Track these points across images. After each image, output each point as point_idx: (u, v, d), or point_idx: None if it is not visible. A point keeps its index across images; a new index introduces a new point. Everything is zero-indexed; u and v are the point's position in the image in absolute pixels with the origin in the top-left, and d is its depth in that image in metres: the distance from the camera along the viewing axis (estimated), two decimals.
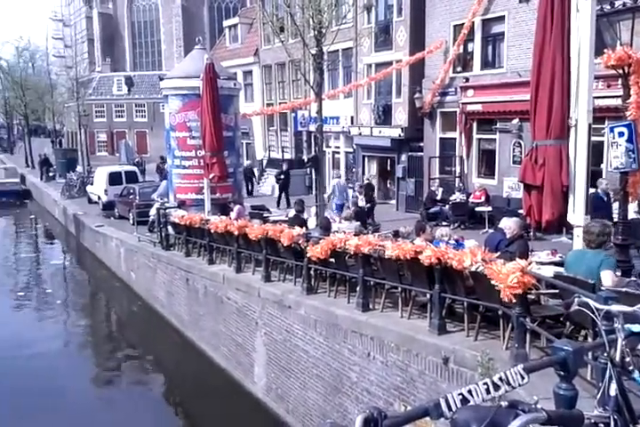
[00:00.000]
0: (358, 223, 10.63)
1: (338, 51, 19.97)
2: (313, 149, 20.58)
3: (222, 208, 12.88)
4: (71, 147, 44.02)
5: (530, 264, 5.41)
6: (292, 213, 11.96)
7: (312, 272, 8.60)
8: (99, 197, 22.80)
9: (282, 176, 20.94)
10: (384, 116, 19.85)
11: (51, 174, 33.24)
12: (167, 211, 13.43)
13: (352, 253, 7.49)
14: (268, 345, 9.12)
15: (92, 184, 24.48)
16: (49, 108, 42.79)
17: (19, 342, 12.42)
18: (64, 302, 16.13)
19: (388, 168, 21.02)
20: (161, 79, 15.70)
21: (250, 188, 23.66)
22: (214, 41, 35.84)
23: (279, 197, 20.34)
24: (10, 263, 20.78)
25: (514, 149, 15.35)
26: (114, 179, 22.26)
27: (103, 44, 56.63)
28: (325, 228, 9.33)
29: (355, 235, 8.13)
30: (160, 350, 12.67)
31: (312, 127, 19.87)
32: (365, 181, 18.49)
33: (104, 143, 47.20)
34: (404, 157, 19.21)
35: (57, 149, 39.23)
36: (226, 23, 33.37)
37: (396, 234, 8.96)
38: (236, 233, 10.16)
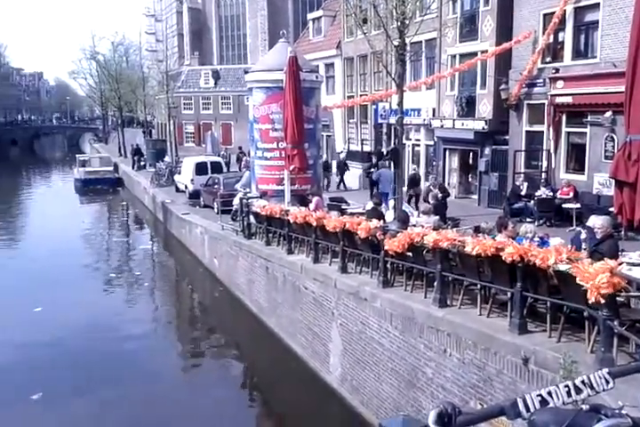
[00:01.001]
0: (437, 218, 10.51)
1: (421, 42, 19.66)
2: (393, 142, 20.39)
3: (301, 199, 13.07)
4: (161, 137, 45.91)
5: (620, 265, 5.17)
6: (369, 205, 11.97)
7: (389, 265, 8.60)
8: (185, 187, 23.72)
9: (372, 170, 19.74)
10: (467, 108, 19.39)
11: (142, 164, 34.86)
12: (249, 201, 13.79)
13: (430, 247, 7.43)
14: (344, 336, 9.22)
15: (179, 174, 25.50)
16: (141, 101, 44.83)
17: (109, 322, 13.25)
18: (152, 284, 16.94)
19: (470, 162, 20.54)
20: (246, 72, 16.06)
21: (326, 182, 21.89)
22: (298, 34, 36.20)
23: (371, 191, 17.77)
24: (103, 247, 22.08)
25: (606, 143, 14.59)
26: (200, 169, 23.09)
27: (192, 38, 58.44)
28: (403, 221, 9.29)
29: (433, 229, 8.05)
30: (239, 335, 13.11)
31: (392, 119, 19.69)
32: (412, 171, 18.02)
33: (191, 134, 48.90)
34: (487, 151, 18.71)
35: (148, 140, 41.05)
36: (310, 16, 33.59)
37: (477, 230, 8.79)
38: (314, 224, 10.30)
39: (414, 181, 17.44)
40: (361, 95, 25.93)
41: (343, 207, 13.95)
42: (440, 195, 14.44)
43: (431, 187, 15.37)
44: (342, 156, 25.23)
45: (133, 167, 35.13)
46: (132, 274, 17.94)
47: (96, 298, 15.07)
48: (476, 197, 19.32)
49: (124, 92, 44.63)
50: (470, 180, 20.80)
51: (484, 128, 18.49)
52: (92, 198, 32.93)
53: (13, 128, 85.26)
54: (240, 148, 32.20)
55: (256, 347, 12.23)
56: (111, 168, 36.42)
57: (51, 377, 10.29)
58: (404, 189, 15.02)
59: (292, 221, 11.25)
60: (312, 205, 12.32)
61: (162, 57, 44.33)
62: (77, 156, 39.50)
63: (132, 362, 11.16)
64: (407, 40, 13.00)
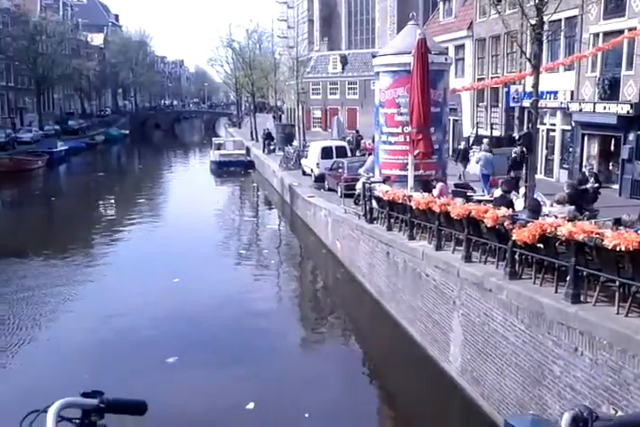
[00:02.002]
0: (572, 208, 9.82)
1: (560, 20, 18.39)
2: (525, 126, 19.34)
3: (425, 185, 12.83)
4: (290, 122, 47.11)
5: None
6: (497, 192, 11.48)
7: (517, 256, 8.22)
8: (311, 170, 24.22)
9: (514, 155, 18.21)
10: (610, 90, 17.89)
11: (271, 147, 36.06)
12: (372, 185, 13.78)
13: (563, 239, 6.98)
14: (466, 326, 8.98)
15: (306, 157, 26.06)
16: (272, 86, 46.25)
17: (237, 296, 13.99)
18: (278, 263, 17.58)
19: (612, 148, 19.00)
20: (373, 56, 15.95)
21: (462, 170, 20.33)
22: (427, 16, 35.30)
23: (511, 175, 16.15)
24: (234, 225, 23.22)
25: None
26: (325, 153, 23.44)
27: (322, 23, 59.07)
28: (534, 210, 8.81)
29: (568, 220, 7.55)
30: (359, 317, 13.25)
31: (526, 103, 18.67)
32: (513, 155, 16.62)
33: (318, 119, 49.71)
34: (631, 137, 17.19)
35: (277, 124, 42.31)
36: None
37: (618, 222, 8.12)
38: (437, 211, 10.08)
39: (517, 163, 16.53)
40: (492, 77, 24.84)
41: (469, 194, 13.50)
42: (594, 184, 13.54)
43: (587, 175, 14.43)
44: (463, 144, 24.06)
45: (264, 151, 36.41)
46: (260, 252, 18.71)
47: (226, 272, 15.97)
48: (616, 186, 17.87)
49: (257, 78, 46.21)
50: (611, 168, 19.27)
51: (628, 112, 16.98)
52: (225, 180, 34.64)
53: (157, 113, 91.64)
54: (357, 131, 32.29)
55: (375, 331, 12.30)
56: (244, 151, 37.99)
57: (184, 343, 11.07)
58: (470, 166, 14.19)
59: (414, 207, 11.09)
60: (436, 191, 12.06)
61: (292, 43, 45.38)
62: (213, 139, 41.65)
63: (255, 335, 11.72)
64: (545, 18, 12.18)
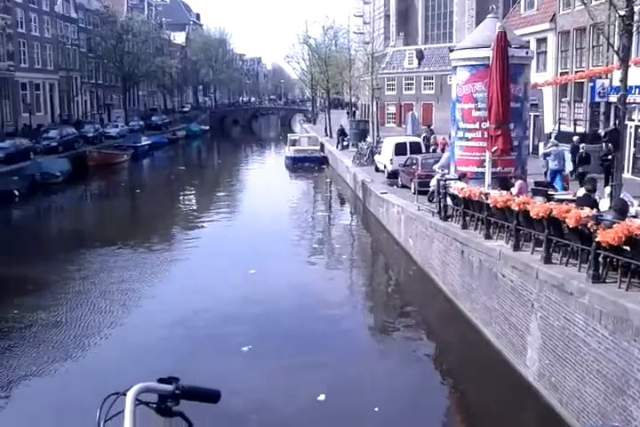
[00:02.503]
0: None
1: None
2: (612, 123, 18.38)
3: (503, 182, 12.47)
4: (364, 118, 47.00)
5: None
6: (581, 191, 10.99)
7: (601, 259, 7.84)
8: (384, 166, 24.08)
9: (609, 156, 16.10)
10: None
11: (345, 143, 36.12)
12: (447, 182, 13.53)
13: None
14: (544, 330, 8.67)
15: (379, 154, 25.94)
16: (347, 82, 46.25)
17: (310, 289, 14.22)
18: (350, 258, 17.62)
19: None
20: (451, 51, 15.66)
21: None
22: (507, 9, 34.19)
23: (606, 180, 14.39)
24: (308, 220, 23.47)
25: None
26: (399, 149, 23.23)
27: (398, 18, 58.41)
28: (621, 211, 8.38)
29: None
30: (431, 316, 13.08)
31: (612, 98, 17.74)
32: (581, 150, 15.22)
33: (393, 115, 49.30)
34: None
35: (351, 120, 42.32)
36: None
37: None
38: (516, 209, 9.78)
39: (583, 159, 15.80)
40: (576, 71, 23.76)
41: (550, 193, 13.01)
42: None
43: None
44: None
45: (338, 147, 36.52)
46: (333, 247, 18.82)
47: (300, 266, 16.19)
48: None
49: (332, 75, 46.36)
50: None
51: None
52: (299, 175, 35.04)
53: (236, 109, 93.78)
54: (429, 126, 31.80)
55: (447, 330, 12.11)
56: (318, 147, 38.24)
57: (259, 333, 11.35)
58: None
59: (491, 205, 10.80)
60: (515, 189, 11.70)
61: (368, 39, 45.09)
62: (288, 135, 42.19)
63: (326, 328, 11.88)
64: (636, 9, 11.52)
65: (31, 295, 13.41)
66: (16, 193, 25.25)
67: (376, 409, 8.65)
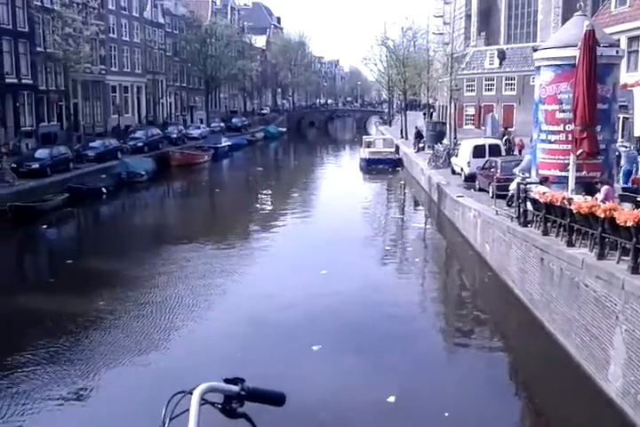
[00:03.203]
0: None
1: None
2: None
3: (588, 188, 11.95)
4: (441, 120, 46.29)
5: None
6: None
7: None
8: (461, 169, 23.62)
9: None
10: None
11: (421, 145, 35.70)
12: (528, 186, 13.11)
13: None
14: (630, 344, 8.22)
15: (456, 156, 25.47)
16: (424, 84, 45.68)
17: (381, 291, 14.14)
18: (422, 262, 17.39)
19: None
20: (535, 50, 15.14)
21: None
22: (596, 7, 32.68)
23: None
24: (380, 222, 23.41)
25: None
26: (477, 151, 22.72)
27: (479, 18, 57.18)
28: None
29: None
30: (507, 324, 12.70)
31: None
32: None
33: (471, 117, 48.22)
34: None
35: (428, 122, 41.77)
36: None
37: None
38: (601, 216, 9.33)
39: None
40: None
41: (639, 200, 12.33)
42: None
43: None
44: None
45: (413, 149, 36.15)
46: (405, 250, 18.65)
47: (372, 267, 16.18)
48: None
49: (410, 76, 45.93)
50: None
51: None
52: (374, 177, 34.95)
53: (312, 111, 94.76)
54: (506, 128, 30.87)
55: (524, 339, 11.72)
56: (393, 149, 38.02)
57: (329, 333, 11.42)
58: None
59: (574, 211, 10.35)
60: (600, 195, 11.18)
61: (448, 39, 44.32)
62: (364, 137, 42.17)
63: (397, 331, 11.76)
64: None
65: (117, 287, 14.11)
66: (104, 191, 26.64)
67: (446, 414, 8.52)
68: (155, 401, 7.57)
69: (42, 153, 27.22)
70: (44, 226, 21.39)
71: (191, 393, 1.82)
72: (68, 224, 23.69)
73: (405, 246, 19.18)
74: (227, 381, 1.90)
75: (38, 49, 35.12)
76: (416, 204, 28.29)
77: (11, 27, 33.25)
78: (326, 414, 8.57)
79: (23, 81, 34.31)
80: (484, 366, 10.62)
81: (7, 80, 32.80)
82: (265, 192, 32.35)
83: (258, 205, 27.85)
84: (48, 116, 36.88)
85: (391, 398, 8.80)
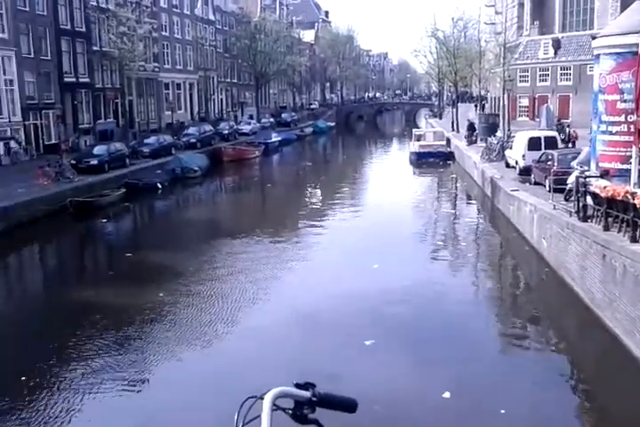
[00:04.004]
0: None
1: None
2: None
3: None
4: (493, 112, 45.35)
5: None
6: None
7: None
8: (516, 162, 23.10)
9: None
10: None
11: (473, 138, 35.09)
12: (587, 180, 12.72)
13: None
14: None
15: (510, 149, 24.93)
16: (476, 75, 44.93)
17: (433, 287, 13.99)
18: (475, 257, 17.14)
19: None
20: (593, 38, 14.63)
21: None
22: None
23: None
24: (432, 216, 23.15)
25: None
26: (533, 144, 22.17)
27: (533, 6, 55.52)
28: None
29: None
30: (566, 324, 12.40)
31: None
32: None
33: (525, 108, 47.05)
34: None
35: (480, 114, 41.05)
36: None
37: None
38: None
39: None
40: None
41: None
42: None
43: None
44: None
45: (465, 142, 35.57)
46: (458, 245, 18.40)
47: (424, 262, 16.05)
48: None
49: (460, 67, 45.18)
50: None
51: None
52: (424, 171, 34.59)
53: (361, 105, 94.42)
54: (559, 120, 29.97)
55: (584, 339, 11.42)
56: (444, 142, 37.52)
57: (382, 327, 11.40)
58: None
59: (638, 206, 10.00)
60: None
61: (500, 29, 43.36)
62: (413, 130, 41.75)
63: (450, 326, 11.68)
64: None
65: (174, 280, 14.46)
66: (159, 186, 27.30)
67: (502, 412, 8.41)
68: (209, 394, 7.77)
69: (99, 150, 28.12)
70: (103, 220, 22.12)
71: (262, 398, 1.78)
72: (126, 218, 24.40)
73: (458, 241, 18.92)
74: (297, 386, 1.85)
75: (95, 48, 36.24)
76: (468, 198, 27.84)
77: (69, 27, 34.43)
78: (381, 409, 8.57)
79: (81, 80, 35.50)
80: (542, 364, 10.39)
81: (66, 79, 34.01)
82: (315, 186, 32.48)
83: (308, 200, 28.00)
84: (105, 113, 38.05)
85: (446, 394, 8.75)
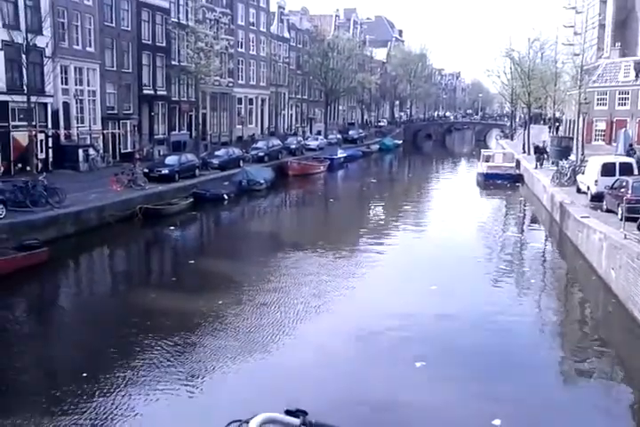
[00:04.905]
0: None
1: None
2: None
3: None
4: (567, 135, 44.01)
5: None
6: None
7: None
8: (588, 188, 22.29)
9: None
10: None
11: (543, 161, 34.13)
12: None
13: None
14: None
15: (582, 173, 24.09)
16: (550, 97, 43.72)
17: (492, 312, 13.57)
18: (539, 285, 16.55)
19: None
20: None
21: None
22: None
23: None
24: (496, 240, 22.57)
25: None
26: (607, 170, 21.33)
27: (615, 28, 53.85)
28: None
29: None
30: (632, 357, 11.75)
31: None
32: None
33: (602, 132, 45.37)
34: None
35: (553, 137, 39.90)
36: None
37: None
38: None
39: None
40: None
41: None
42: None
43: None
44: None
45: (535, 164, 34.66)
46: (521, 270, 17.86)
47: (484, 286, 15.68)
48: None
49: (535, 88, 44.17)
50: None
51: None
52: (491, 193, 33.91)
53: (429, 124, 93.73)
54: (630, 145, 28.64)
55: None
56: (513, 164, 36.71)
57: (434, 350, 11.22)
58: None
59: None
60: None
61: (578, 50, 42.22)
62: (482, 151, 41.05)
63: (507, 353, 11.35)
64: None
65: (234, 289, 14.77)
66: (225, 197, 28.01)
67: None
68: (257, 404, 7.81)
69: (171, 160, 29.16)
70: (171, 227, 22.85)
71: (247, 422, 1.73)
72: (192, 227, 25.10)
73: (522, 267, 18.37)
74: (288, 412, 1.79)
75: (173, 62, 37.78)
76: (536, 222, 27.02)
77: (150, 42, 36.08)
78: None
79: (158, 92, 37.04)
80: (604, 399, 9.92)
81: (144, 91, 35.58)
82: (378, 204, 32.40)
83: (370, 217, 27.95)
84: (179, 125, 39.49)
85: (496, 421, 8.48)
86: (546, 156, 34.59)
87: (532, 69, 44.71)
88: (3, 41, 24.11)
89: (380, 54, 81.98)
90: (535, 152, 35.35)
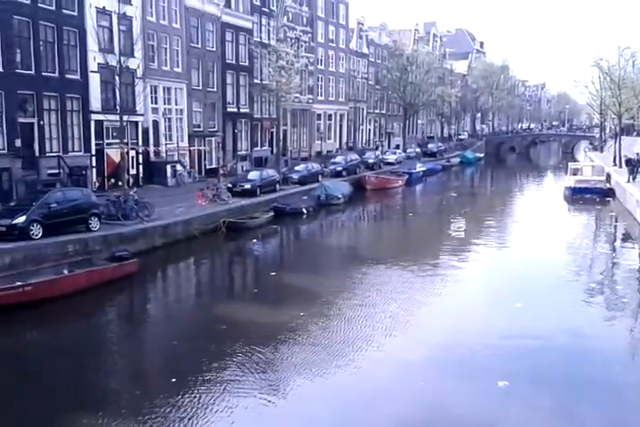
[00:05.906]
0: None
1: None
2: None
3: None
4: None
5: None
6: None
7: None
8: None
9: None
10: None
11: (633, 175, 32.35)
12: None
13: None
14: None
15: None
16: None
17: (580, 332, 12.94)
18: (632, 304, 15.59)
19: None
20: None
21: None
22: None
23: None
24: (585, 257, 21.50)
25: None
26: None
27: None
28: None
29: None
30: None
31: None
32: None
33: None
34: None
35: None
36: None
37: None
38: None
39: None
40: None
41: None
42: None
43: None
44: None
45: (628, 179, 32.89)
46: (614, 289, 16.91)
47: (571, 306, 14.91)
48: None
49: (626, 98, 42.11)
50: None
51: None
52: (579, 207, 32.48)
53: (513, 136, 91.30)
54: None
55: None
56: (603, 178, 35.07)
57: (518, 369, 10.80)
58: None
59: None
60: None
61: None
62: (569, 164, 39.47)
63: (594, 378, 10.69)
64: None
65: (315, 302, 14.82)
66: (304, 211, 28.40)
67: None
68: (335, 419, 7.75)
69: (253, 175, 29.95)
70: (253, 240, 23.40)
71: None
72: (272, 240, 25.56)
73: (614, 286, 17.37)
74: None
75: (255, 81, 38.94)
76: (629, 239, 25.52)
77: (234, 61, 37.40)
78: None
79: (241, 110, 38.25)
80: None
81: (228, 109, 36.85)
82: (458, 218, 31.70)
83: (450, 231, 27.40)
84: (261, 141, 40.56)
85: None
86: (639, 169, 32.76)
87: (623, 79, 42.72)
88: (99, 64, 25.77)
89: (460, 67, 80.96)
90: (627, 165, 33.60)
